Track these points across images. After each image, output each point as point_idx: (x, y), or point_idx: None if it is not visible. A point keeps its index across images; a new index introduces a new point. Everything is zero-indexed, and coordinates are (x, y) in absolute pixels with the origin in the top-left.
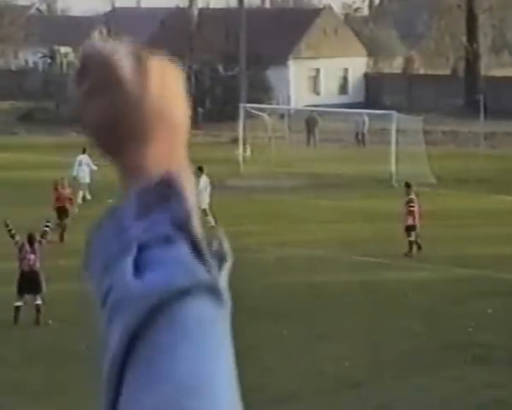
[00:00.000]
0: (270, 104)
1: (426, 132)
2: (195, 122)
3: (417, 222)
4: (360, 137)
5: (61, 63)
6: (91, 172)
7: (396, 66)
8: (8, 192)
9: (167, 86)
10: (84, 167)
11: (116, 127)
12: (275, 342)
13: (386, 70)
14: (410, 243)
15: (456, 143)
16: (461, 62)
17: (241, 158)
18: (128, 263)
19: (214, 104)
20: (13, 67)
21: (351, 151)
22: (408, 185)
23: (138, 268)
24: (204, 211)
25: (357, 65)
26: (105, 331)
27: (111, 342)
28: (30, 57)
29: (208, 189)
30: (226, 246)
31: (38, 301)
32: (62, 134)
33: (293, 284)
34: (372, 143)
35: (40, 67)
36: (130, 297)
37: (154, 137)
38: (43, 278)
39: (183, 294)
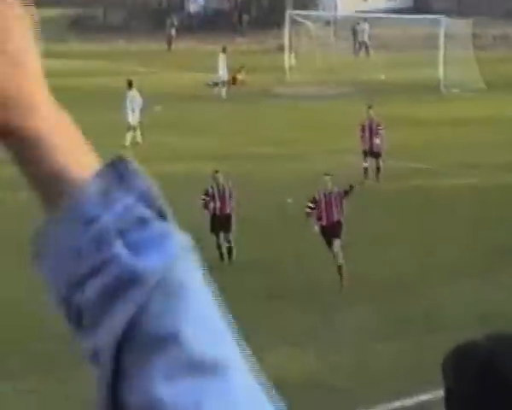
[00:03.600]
0: (316, 11)
1: (476, 37)
2: (241, 29)
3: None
4: (358, 45)
5: None
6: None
7: None
8: (62, 99)
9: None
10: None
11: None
12: (322, 244)
13: None
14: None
15: (507, 47)
16: None
17: (287, 65)
18: (118, 246)
19: (260, 11)
20: None
21: (397, 57)
22: (370, 107)
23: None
24: (133, 127)
25: None
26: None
27: (110, 325)
28: None
29: (139, 103)
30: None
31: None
32: (110, 41)
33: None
34: (420, 48)
35: None
36: (133, 277)
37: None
38: None
39: (175, 263)
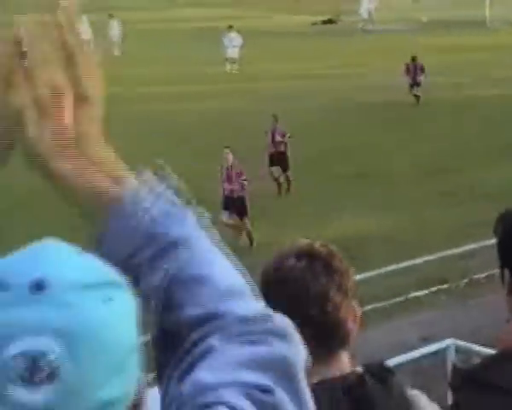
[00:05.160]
0: None
1: None
2: None
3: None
4: None
5: None
6: None
7: None
8: (196, 37)
9: None
10: None
11: None
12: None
13: None
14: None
15: None
16: None
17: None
18: (162, 225)
19: None
20: None
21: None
22: (413, 59)
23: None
24: (233, 60)
25: None
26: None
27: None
28: None
29: (239, 42)
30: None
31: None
32: None
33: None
34: None
35: None
36: (172, 241)
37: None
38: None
39: (195, 229)
